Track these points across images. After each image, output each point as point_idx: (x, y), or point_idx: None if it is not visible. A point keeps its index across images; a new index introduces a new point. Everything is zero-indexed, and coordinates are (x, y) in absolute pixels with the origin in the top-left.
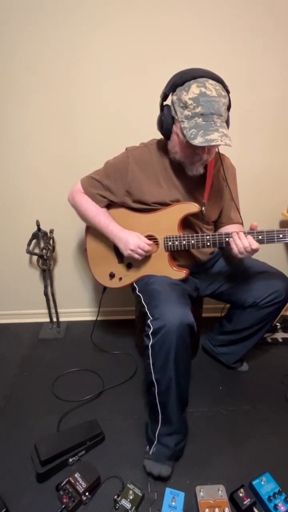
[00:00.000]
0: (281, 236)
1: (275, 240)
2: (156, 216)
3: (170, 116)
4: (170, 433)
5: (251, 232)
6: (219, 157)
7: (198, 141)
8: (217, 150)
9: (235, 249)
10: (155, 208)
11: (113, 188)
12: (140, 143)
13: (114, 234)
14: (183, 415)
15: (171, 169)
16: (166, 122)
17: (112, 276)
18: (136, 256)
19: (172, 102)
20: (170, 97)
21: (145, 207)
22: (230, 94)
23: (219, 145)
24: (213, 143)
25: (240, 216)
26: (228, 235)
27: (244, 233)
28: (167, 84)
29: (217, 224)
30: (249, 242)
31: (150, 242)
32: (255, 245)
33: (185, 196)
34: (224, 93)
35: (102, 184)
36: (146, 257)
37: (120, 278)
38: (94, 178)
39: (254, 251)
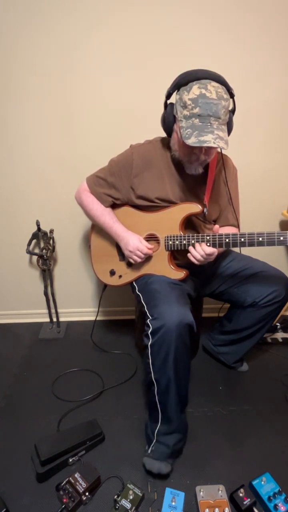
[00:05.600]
0: (281, 238)
1: (276, 242)
2: (159, 215)
3: (172, 114)
4: (169, 432)
5: (251, 234)
6: (221, 157)
7: (191, 141)
8: (219, 151)
9: (193, 260)
10: (158, 204)
11: (118, 184)
12: (145, 141)
13: (118, 234)
14: (183, 414)
15: (173, 166)
16: (168, 120)
17: (112, 273)
18: (134, 257)
19: (175, 101)
20: (174, 96)
21: (148, 204)
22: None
23: (211, 146)
24: (205, 144)
25: (238, 218)
26: (228, 235)
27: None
28: (172, 83)
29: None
30: (203, 249)
31: (151, 246)
32: (208, 250)
33: (187, 193)
34: (226, 96)
35: (107, 182)
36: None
37: (120, 276)
38: (99, 177)
39: (210, 255)
